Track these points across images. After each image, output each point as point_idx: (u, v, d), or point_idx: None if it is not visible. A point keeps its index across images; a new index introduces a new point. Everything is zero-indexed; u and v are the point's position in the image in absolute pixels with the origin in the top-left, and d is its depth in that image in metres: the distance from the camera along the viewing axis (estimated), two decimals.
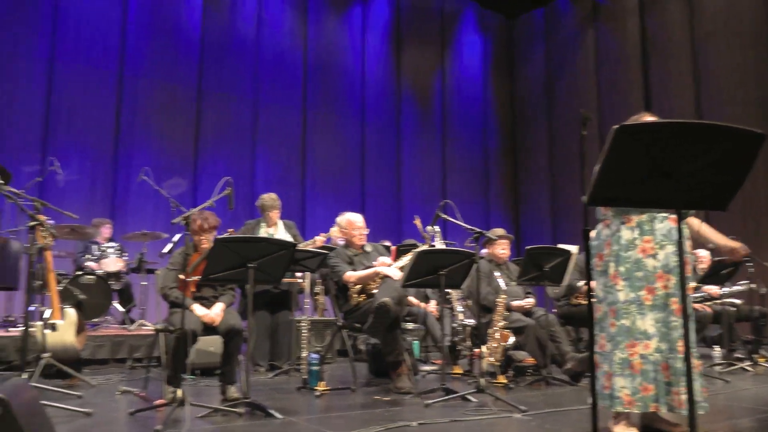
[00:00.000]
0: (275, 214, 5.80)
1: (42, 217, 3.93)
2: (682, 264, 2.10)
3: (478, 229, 4.36)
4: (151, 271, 7.29)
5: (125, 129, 8.95)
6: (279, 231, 5.84)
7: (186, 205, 8.75)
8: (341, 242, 6.04)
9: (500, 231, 5.62)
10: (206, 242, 4.37)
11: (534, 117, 12.60)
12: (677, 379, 2.72)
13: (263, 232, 5.75)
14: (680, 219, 2.06)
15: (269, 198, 5.80)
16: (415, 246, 5.67)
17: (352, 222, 5.03)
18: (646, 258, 2.87)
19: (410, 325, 5.63)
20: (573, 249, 5.08)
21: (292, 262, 4.54)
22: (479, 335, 4.96)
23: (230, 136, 9.83)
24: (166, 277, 4.33)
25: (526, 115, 12.78)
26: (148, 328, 6.48)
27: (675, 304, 2.80)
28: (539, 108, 12.50)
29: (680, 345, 2.74)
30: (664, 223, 2.92)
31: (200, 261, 4.30)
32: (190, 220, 3.78)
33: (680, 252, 2.11)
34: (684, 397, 2.70)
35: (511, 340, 5.01)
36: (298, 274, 5.67)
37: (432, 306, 5.99)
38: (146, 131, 9.10)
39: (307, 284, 5.51)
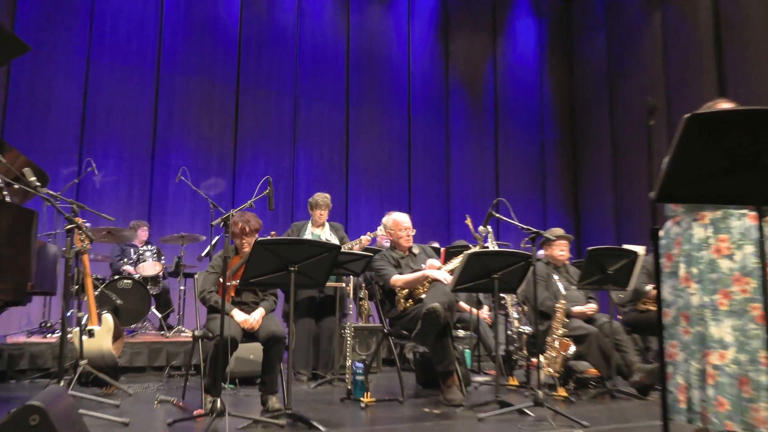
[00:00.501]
0: (323, 215, 5.88)
1: (79, 220, 4.06)
2: (764, 266, 2.02)
3: (535, 229, 4.30)
4: (189, 275, 7.47)
5: (162, 128, 9.19)
6: (325, 233, 5.91)
7: (225, 206, 8.94)
8: (387, 244, 6.03)
9: (559, 231, 5.55)
10: (247, 246, 4.46)
11: (595, 107, 12.35)
12: (758, 394, 2.61)
13: (309, 233, 5.83)
14: (761, 216, 1.99)
15: (322, 197, 5.90)
16: (466, 247, 5.64)
17: (398, 222, 5.06)
18: (721, 259, 2.78)
19: (461, 333, 5.59)
20: (639, 250, 4.96)
21: (335, 266, 4.59)
22: (536, 344, 4.89)
23: (270, 133, 9.98)
24: (206, 280, 4.43)
25: (587, 105, 12.54)
26: (187, 334, 6.63)
27: (756, 310, 2.69)
28: (601, 97, 12.24)
29: (763, 356, 2.64)
30: (742, 220, 2.81)
31: (240, 265, 4.40)
32: (231, 222, 3.88)
33: (762, 253, 2.04)
34: (765, 414, 2.60)
35: (572, 349, 4.93)
36: (343, 278, 5.69)
37: (485, 312, 5.94)
38: (184, 130, 9.32)
39: (351, 289, 5.54)
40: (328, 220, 6.02)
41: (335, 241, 5.87)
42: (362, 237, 5.85)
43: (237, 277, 4.28)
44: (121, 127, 8.90)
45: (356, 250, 5.75)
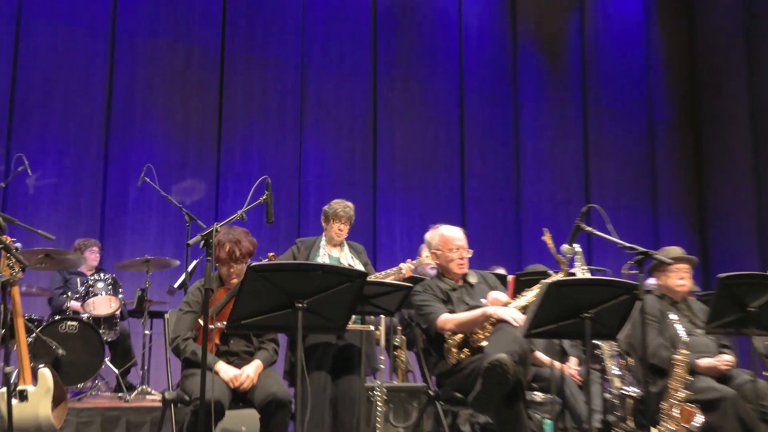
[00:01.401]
0: (342, 231, 5.94)
1: (6, 239, 4.12)
2: None
3: (642, 248, 4.25)
4: (157, 315, 7.55)
5: (120, 112, 9.34)
6: (345, 255, 5.95)
7: (206, 218, 8.99)
8: (432, 270, 6.00)
9: (676, 251, 5.50)
10: (237, 275, 4.52)
11: (726, 78, 12.19)
12: None
13: (323, 255, 5.88)
14: None
15: (343, 206, 5.97)
16: (544, 275, 5.59)
17: (447, 239, 5.07)
18: None
19: (539, 396, 5.54)
20: None
21: (360, 301, 4.59)
22: (647, 412, 4.82)
23: (268, 117, 10.10)
24: (180, 322, 4.48)
25: (715, 75, 12.39)
26: (154, 397, 6.68)
27: None
28: (734, 64, 12.08)
29: None
30: None
31: (228, 300, 4.43)
32: (214, 241, 3.94)
33: None
34: None
35: (699, 419, 4.86)
36: (371, 319, 5.71)
37: (572, 366, 5.87)
38: (149, 114, 9.48)
39: (382, 333, 5.53)
40: (346, 239, 6.05)
41: (358, 267, 5.88)
42: (403, 265, 5.91)
43: (223, 318, 4.31)
44: (64, 110, 9.06)
45: (393, 280, 5.75)
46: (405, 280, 5.74)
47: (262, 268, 3.63)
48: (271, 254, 5.73)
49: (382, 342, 5.55)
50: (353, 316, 5.08)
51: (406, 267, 5.90)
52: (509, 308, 4.70)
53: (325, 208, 6.03)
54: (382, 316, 5.30)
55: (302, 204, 10.04)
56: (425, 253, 5.82)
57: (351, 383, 5.78)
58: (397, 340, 6.75)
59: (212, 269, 3.90)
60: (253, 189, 4.12)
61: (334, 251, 5.96)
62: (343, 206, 5.99)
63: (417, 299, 4.96)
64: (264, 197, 4.19)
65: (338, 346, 5.79)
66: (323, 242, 5.97)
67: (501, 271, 7.46)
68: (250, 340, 4.57)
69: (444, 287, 5.01)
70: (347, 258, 5.96)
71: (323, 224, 6.02)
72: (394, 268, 5.96)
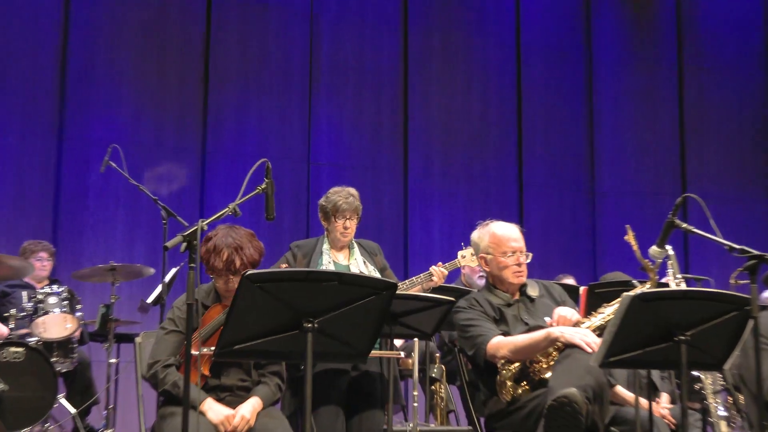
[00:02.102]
0: (349, 229, 5.93)
1: None
2: None
3: (755, 252, 4.24)
4: (126, 339, 7.60)
5: (76, 76, 9.42)
6: (356, 259, 5.95)
7: (188, 213, 9.00)
8: (480, 280, 6.00)
9: None
10: (234, 288, 4.54)
11: None
12: None
13: (326, 261, 5.89)
14: None
15: (344, 196, 5.94)
16: (626, 285, 5.57)
17: (500, 240, 5.09)
18: None
19: None
20: None
21: (387, 320, 4.66)
22: None
23: (268, 82, 10.13)
24: (160, 344, 4.52)
25: None
26: None
27: None
28: None
29: None
30: None
31: (220, 321, 4.47)
32: (205, 246, 4.01)
33: None
34: None
35: None
36: (397, 343, 5.71)
37: (664, 405, 5.86)
38: (114, 79, 9.54)
39: (415, 362, 5.55)
40: (355, 238, 6.08)
41: (372, 274, 5.91)
42: (434, 269, 5.92)
43: (213, 342, 4.34)
44: (4, 75, 9.13)
45: (420, 290, 5.78)
46: (445, 292, 5.73)
47: (261, 277, 3.64)
48: (284, 265, 5.79)
49: (416, 373, 5.56)
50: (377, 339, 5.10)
51: (438, 272, 5.90)
52: (580, 329, 4.69)
53: (322, 201, 6.02)
54: (415, 339, 5.33)
55: (312, 195, 10.10)
56: (463, 254, 5.84)
57: (372, 421, 5.80)
58: (435, 370, 6.74)
59: (197, 281, 3.90)
60: (248, 176, 4.13)
61: (341, 256, 5.97)
62: (344, 196, 5.97)
63: (461, 318, 4.98)
64: (263, 186, 4.20)
65: (358, 377, 5.82)
66: (326, 246, 5.98)
67: (570, 281, 7.46)
68: (247, 372, 4.60)
69: (496, 302, 5.03)
70: (359, 264, 5.96)
71: (323, 223, 6.03)
72: (422, 275, 5.98)
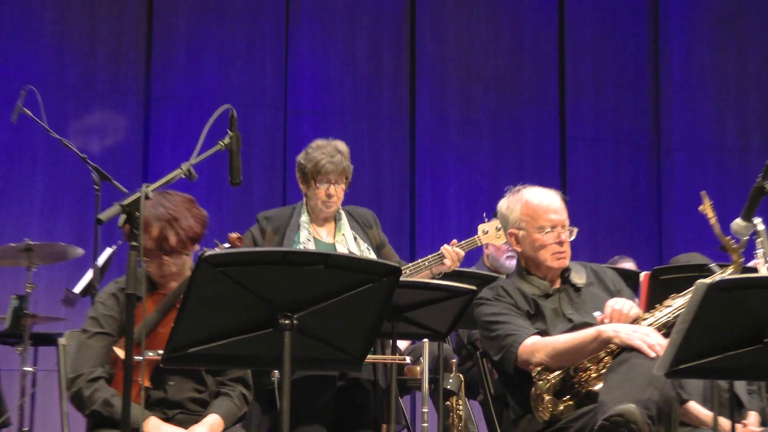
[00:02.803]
0: (333, 196, 5.94)
1: None
2: None
3: None
4: (46, 340, 7.61)
5: None
6: (345, 235, 5.97)
7: (128, 176, 9.04)
8: (509, 261, 6.01)
9: None
10: (176, 273, 4.58)
11: None
12: None
13: (305, 238, 5.90)
14: None
15: (326, 152, 5.94)
16: (701, 270, 5.58)
17: (536, 211, 5.08)
18: None
19: None
20: None
21: (387, 315, 4.61)
22: None
23: (230, 6, 10.09)
24: (83, 353, 4.51)
25: None
26: None
27: None
28: None
29: None
30: None
31: (163, 315, 4.50)
32: (139, 216, 3.91)
33: None
34: None
35: None
36: (402, 345, 5.72)
37: (752, 426, 5.88)
38: (28, 5, 9.55)
39: (424, 370, 5.56)
40: (343, 206, 6.08)
41: (365, 252, 5.93)
42: (447, 248, 5.96)
43: (158, 344, 4.35)
44: None
45: (430, 277, 5.85)
46: (464, 280, 5.74)
47: (225, 259, 3.63)
48: (234, 236, 5.73)
49: (425, 385, 5.57)
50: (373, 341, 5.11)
51: (452, 252, 5.89)
52: (641, 327, 4.69)
53: (300, 158, 6.01)
54: (425, 341, 5.35)
55: (290, 153, 10.05)
56: (486, 228, 5.85)
57: None
58: (451, 381, 6.76)
59: (139, 263, 3.90)
60: (207, 128, 4.10)
61: (323, 231, 5.98)
62: (329, 153, 5.96)
63: (485, 312, 4.99)
64: (226, 141, 4.19)
65: (349, 388, 5.84)
66: (304, 217, 6.00)
67: (628, 264, 7.49)
68: (202, 382, 4.60)
69: (530, 292, 5.04)
70: (347, 241, 5.98)
71: (301, 186, 6.04)
72: (432, 257, 5.97)
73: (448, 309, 5.03)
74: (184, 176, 4.11)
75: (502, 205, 5.25)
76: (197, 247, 4.59)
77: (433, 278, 5.82)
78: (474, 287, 5.08)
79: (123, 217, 3.81)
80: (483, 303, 5.02)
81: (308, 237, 5.91)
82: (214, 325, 3.72)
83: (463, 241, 6.02)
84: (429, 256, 5.97)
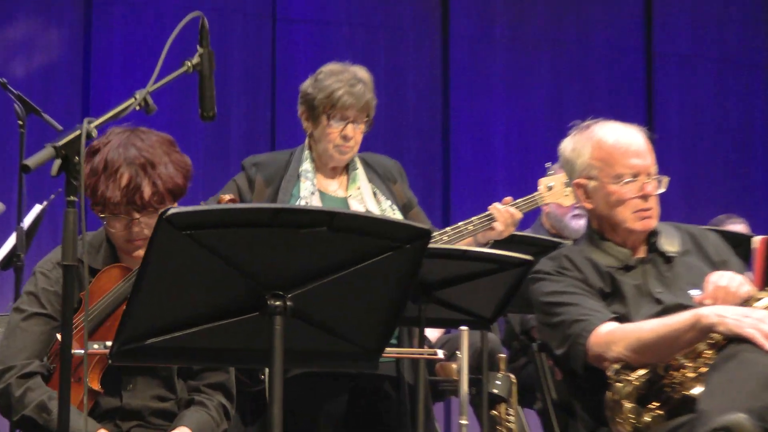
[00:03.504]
0: (351, 138, 5.95)
1: None
2: None
3: None
4: None
5: None
6: (359, 188, 5.98)
7: (63, 106, 9.07)
8: (575, 221, 6.06)
9: None
10: (143, 239, 4.57)
11: None
12: None
13: (306, 192, 5.92)
14: None
15: (344, 78, 5.96)
16: None
17: (612, 152, 5.09)
18: None
19: None
20: None
21: (415, 295, 4.68)
22: None
23: None
24: (10, 344, 4.55)
25: None
26: None
27: None
28: None
29: None
30: None
31: (120, 296, 4.52)
32: (83, 161, 3.88)
33: None
34: None
35: None
36: (432, 335, 5.75)
37: None
38: None
39: (463, 368, 5.59)
40: (360, 153, 6.10)
41: (389, 212, 5.95)
42: (498, 206, 5.97)
43: (104, 334, 4.38)
44: None
45: (472, 245, 5.88)
46: (515, 247, 5.76)
47: (193, 219, 3.61)
48: (226, 198, 5.78)
49: (464, 387, 5.61)
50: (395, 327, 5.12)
51: (504, 213, 5.89)
52: (754, 311, 4.69)
53: (306, 87, 6.03)
54: (463, 329, 5.37)
55: (280, 76, 10.20)
56: (549, 182, 5.85)
57: None
58: (498, 382, 6.80)
59: (79, 225, 3.86)
60: (168, 43, 4.10)
61: (333, 184, 6.01)
62: (347, 81, 5.98)
63: (544, 290, 5.00)
64: (194, 61, 4.19)
65: (356, 384, 5.89)
66: (307, 165, 6.02)
67: (737, 226, 7.51)
68: (170, 387, 4.63)
69: (604, 263, 5.04)
70: (364, 197, 6.00)
71: (305, 125, 6.05)
72: (476, 219, 5.96)
73: (494, 286, 5.04)
74: (138, 108, 4.06)
75: (566, 146, 5.22)
76: (176, 205, 4.52)
77: (478, 246, 5.82)
78: (529, 257, 5.08)
79: (57, 164, 3.77)
80: (541, 278, 5.01)
81: (312, 189, 5.91)
82: (181, 309, 3.71)
83: (519, 200, 5.98)
84: (473, 218, 5.95)
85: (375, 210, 5.82)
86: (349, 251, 3.71)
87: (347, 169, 6.00)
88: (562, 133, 5.27)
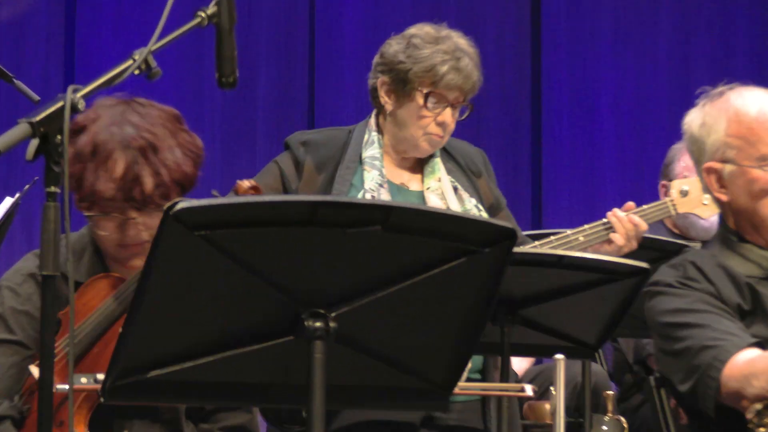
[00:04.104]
0: (450, 126, 5.98)
1: None
2: None
3: None
4: None
5: None
6: (438, 180, 6.00)
7: (39, 74, 9.14)
8: (705, 219, 6.08)
9: None
10: (141, 245, 4.61)
11: None
12: None
13: (372, 184, 5.93)
14: None
15: (448, 49, 5.97)
16: None
17: (754, 126, 5.02)
18: None
19: None
20: None
21: (493, 313, 4.70)
22: None
23: None
24: None
25: None
26: None
27: None
28: None
29: None
30: None
31: (120, 315, 4.54)
32: (63, 141, 3.86)
33: None
34: None
35: None
36: (519, 366, 5.80)
37: None
38: None
39: (557, 409, 5.61)
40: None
41: (474, 212, 5.96)
42: (619, 213, 6.02)
43: (98, 365, 4.41)
44: None
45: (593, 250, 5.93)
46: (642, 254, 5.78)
47: (209, 216, 3.64)
48: (245, 184, 5.78)
49: (559, 425, 5.63)
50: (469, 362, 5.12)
51: (626, 223, 5.88)
52: None
53: (394, 52, 6.03)
54: (558, 358, 5.37)
55: (319, 31, 10.14)
56: (684, 186, 5.82)
57: None
58: (605, 427, 6.82)
59: (62, 224, 3.87)
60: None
61: (405, 175, 6.02)
62: (451, 53, 5.98)
63: (665, 308, 4.94)
64: (210, 11, 4.18)
65: None
66: (374, 149, 6.02)
67: None
68: (174, 430, 4.67)
69: (744, 271, 4.97)
70: (446, 192, 6.01)
71: (385, 100, 6.05)
72: (590, 228, 5.95)
73: (599, 303, 5.04)
74: (137, 72, 4.06)
75: (693, 120, 5.11)
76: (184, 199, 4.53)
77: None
78: (645, 264, 5.08)
79: (34, 145, 3.77)
80: (661, 292, 4.94)
81: (380, 180, 5.90)
82: (192, 332, 3.71)
83: (645, 206, 5.94)
84: (585, 227, 5.94)
85: (457, 209, 5.81)
86: (411, 257, 3.69)
87: (430, 161, 5.99)
88: (689, 103, 5.24)
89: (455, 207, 5.83)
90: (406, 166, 5.95)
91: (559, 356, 5.31)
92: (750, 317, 4.86)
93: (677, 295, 4.90)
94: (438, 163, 5.95)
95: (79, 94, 3.73)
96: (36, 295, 4.45)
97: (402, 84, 5.82)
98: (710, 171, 5.02)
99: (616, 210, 5.82)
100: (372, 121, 5.94)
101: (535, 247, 5.88)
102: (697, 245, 5.45)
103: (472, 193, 5.93)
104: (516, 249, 4.20)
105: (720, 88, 5.11)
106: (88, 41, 9.60)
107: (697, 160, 5.11)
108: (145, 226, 4.46)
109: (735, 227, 5.06)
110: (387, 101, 5.89)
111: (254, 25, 9.25)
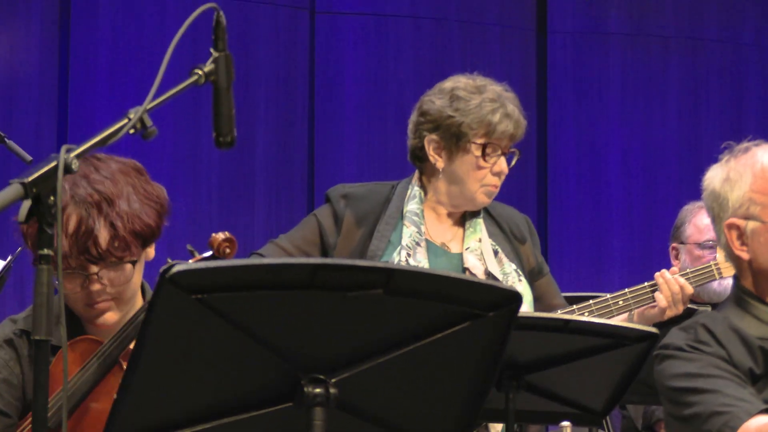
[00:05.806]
0: (503, 174, 6.00)
1: None
2: None
3: None
4: None
5: None
6: (480, 239, 6.01)
7: (31, 133, 9.15)
8: (717, 282, 6.08)
9: None
10: (119, 298, 4.61)
11: None
12: None
13: (410, 241, 5.93)
14: None
15: (495, 96, 6.01)
16: None
17: None
18: None
19: None
20: None
21: (498, 378, 4.64)
22: None
23: None
24: None
25: None
26: None
27: None
28: None
29: None
30: None
31: (97, 379, 4.52)
32: (56, 202, 3.86)
33: None
34: None
35: None
36: None
37: None
38: None
39: None
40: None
41: (514, 278, 5.97)
42: (667, 275, 6.00)
43: (87, 430, 4.41)
44: None
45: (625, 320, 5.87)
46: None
47: (207, 278, 3.63)
48: (219, 237, 5.70)
49: None
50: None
51: (672, 285, 5.86)
52: None
53: (439, 107, 6.01)
54: (564, 425, 5.39)
55: (319, 82, 10.18)
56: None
57: None
58: None
59: (53, 283, 3.86)
60: (174, 43, 4.13)
61: (447, 233, 6.02)
62: (500, 101, 5.98)
63: (674, 373, 4.93)
64: (207, 69, 4.19)
65: None
66: (415, 205, 6.02)
67: None
68: None
69: (758, 334, 4.96)
70: (485, 255, 6.00)
71: (435, 158, 6.05)
72: (630, 292, 5.94)
73: (607, 368, 5.04)
74: (132, 132, 4.07)
75: (715, 176, 5.08)
76: (152, 252, 4.59)
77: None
78: (653, 329, 5.08)
79: (26, 205, 3.78)
80: (670, 356, 4.92)
81: (418, 238, 5.89)
82: (189, 399, 3.72)
83: (690, 270, 5.92)
84: (626, 290, 5.91)
85: (496, 273, 5.80)
86: (413, 321, 3.71)
87: (473, 220, 5.99)
88: (699, 161, 5.25)
89: (494, 269, 5.83)
90: (449, 224, 5.96)
91: (566, 423, 5.32)
92: (762, 381, 4.85)
93: (687, 359, 4.89)
94: (480, 223, 5.97)
95: (73, 154, 3.72)
96: (13, 361, 4.48)
97: (455, 139, 5.83)
98: (732, 227, 5.00)
99: (664, 271, 5.80)
100: (415, 176, 5.95)
101: (573, 311, 5.87)
102: (707, 309, 5.43)
103: (512, 258, 5.93)
104: (528, 313, 4.23)
105: (745, 144, 5.10)
106: (82, 99, 9.61)
107: (718, 216, 5.07)
108: (109, 280, 4.46)
109: (752, 287, 5.04)
110: (437, 159, 5.89)
111: (252, 83, 9.26)
